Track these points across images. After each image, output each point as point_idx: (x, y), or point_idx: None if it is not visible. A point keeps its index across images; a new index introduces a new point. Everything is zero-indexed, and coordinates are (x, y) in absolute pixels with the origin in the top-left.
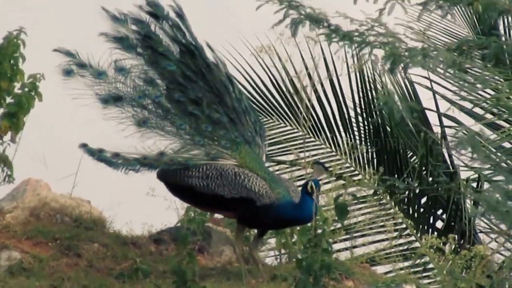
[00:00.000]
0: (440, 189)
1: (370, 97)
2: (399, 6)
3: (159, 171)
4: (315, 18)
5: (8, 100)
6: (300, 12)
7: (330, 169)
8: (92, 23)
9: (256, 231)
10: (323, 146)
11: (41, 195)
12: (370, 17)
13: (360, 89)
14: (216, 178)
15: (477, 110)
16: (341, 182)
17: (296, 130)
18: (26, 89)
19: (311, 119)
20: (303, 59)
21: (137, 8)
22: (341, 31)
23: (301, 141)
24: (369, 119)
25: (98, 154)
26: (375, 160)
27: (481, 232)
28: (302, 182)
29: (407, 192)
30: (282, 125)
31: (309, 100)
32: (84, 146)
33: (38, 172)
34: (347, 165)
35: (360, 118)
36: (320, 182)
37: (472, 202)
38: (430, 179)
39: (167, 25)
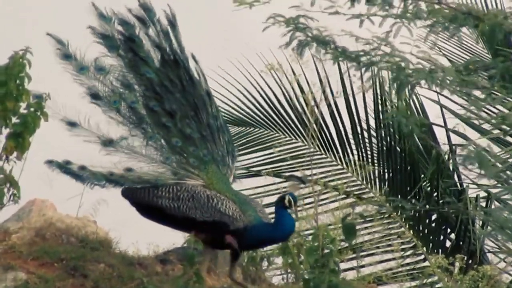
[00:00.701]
0: (447, 209)
1: (379, 115)
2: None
3: (124, 189)
4: (322, 40)
5: (14, 120)
6: (306, 34)
7: (338, 186)
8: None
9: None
10: (333, 163)
11: (47, 216)
12: (376, 36)
13: (370, 107)
14: (188, 200)
15: (485, 126)
16: (349, 200)
17: (306, 147)
18: (32, 109)
19: (322, 135)
20: (318, 75)
21: (127, 9)
22: (348, 52)
23: (314, 157)
24: (379, 136)
25: (64, 167)
26: (385, 177)
27: (489, 252)
28: (310, 200)
29: (414, 212)
30: (294, 140)
31: (318, 118)
32: (50, 162)
33: (43, 193)
34: (358, 182)
35: (369, 136)
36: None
37: (480, 222)
38: (438, 198)
39: (154, 30)
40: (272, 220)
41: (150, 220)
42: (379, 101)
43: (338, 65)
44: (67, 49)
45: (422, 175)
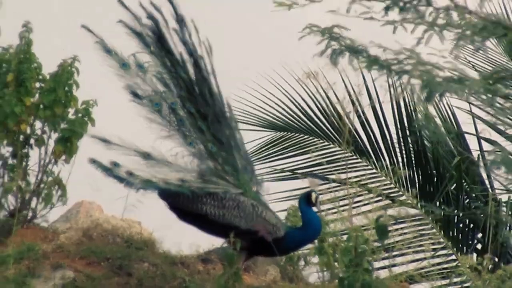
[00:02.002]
0: (475, 213)
1: (411, 121)
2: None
3: (162, 192)
4: (355, 49)
5: (62, 125)
6: (340, 43)
7: (369, 186)
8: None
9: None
10: (369, 167)
11: (93, 217)
12: (406, 47)
13: (401, 114)
14: (233, 209)
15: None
16: (382, 203)
17: (342, 151)
18: (80, 115)
19: (358, 141)
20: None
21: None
22: (380, 61)
23: (349, 160)
24: (410, 142)
25: (110, 171)
26: (415, 181)
27: None
28: (345, 202)
29: (444, 215)
30: (331, 145)
31: (352, 124)
32: (93, 161)
33: (91, 195)
34: (391, 185)
35: (402, 142)
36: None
37: (508, 225)
38: (467, 201)
39: (186, 35)
40: (300, 223)
41: (189, 224)
42: (410, 109)
43: (370, 74)
44: (106, 43)
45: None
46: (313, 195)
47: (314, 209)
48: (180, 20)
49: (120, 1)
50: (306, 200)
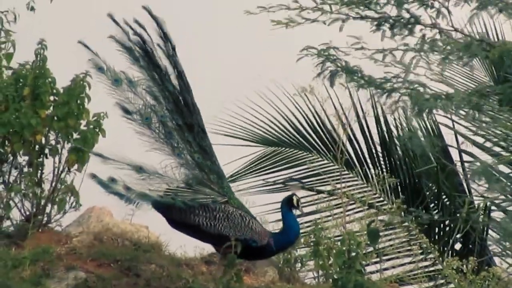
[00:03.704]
0: (455, 219)
1: (392, 136)
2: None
3: (155, 203)
4: (350, 70)
5: (75, 136)
6: (336, 65)
7: (363, 198)
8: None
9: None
10: (355, 178)
11: (104, 221)
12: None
13: (384, 130)
14: (224, 220)
15: (495, 148)
16: (372, 210)
17: (332, 164)
18: (91, 126)
19: (345, 154)
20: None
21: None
22: (374, 82)
23: (337, 173)
24: (394, 155)
25: (109, 187)
26: (398, 191)
27: (495, 255)
28: (339, 210)
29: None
30: (320, 159)
31: (342, 138)
32: (94, 177)
33: (101, 201)
34: (377, 195)
35: (386, 155)
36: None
37: (486, 229)
38: (451, 208)
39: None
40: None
41: (182, 233)
42: (395, 124)
43: (356, 91)
44: (99, 60)
45: (435, 190)
46: (294, 199)
47: (297, 212)
48: (164, 36)
49: (110, 16)
50: (287, 204)
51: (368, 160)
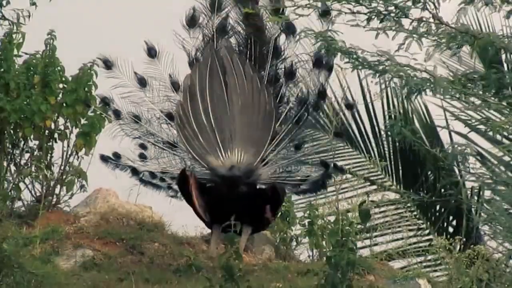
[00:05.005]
0: (448, 200)
1: (392, 117)
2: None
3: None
4: (345, 51)
5: (83, 121)
6: (333, 46)
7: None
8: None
9: None
10: (359, 155)
11: (110, 202)
12: (384, 51)
13: (386, 109)
14: None
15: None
16: (367, 188)
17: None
18: (98, 112)
19: (350, 132)
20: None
21: None
22: (366, 62)
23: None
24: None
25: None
26: (399, 170)
27: (485, 234)
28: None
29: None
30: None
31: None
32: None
33: (107, 182)
34: (378, 173)
35: (380, 135)
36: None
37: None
38: (443, 189)
39: None
40: None
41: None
42: (390, 106)
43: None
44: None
45: (428, 171)
46: None
47: None
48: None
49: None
50: None
51: (371, 139)
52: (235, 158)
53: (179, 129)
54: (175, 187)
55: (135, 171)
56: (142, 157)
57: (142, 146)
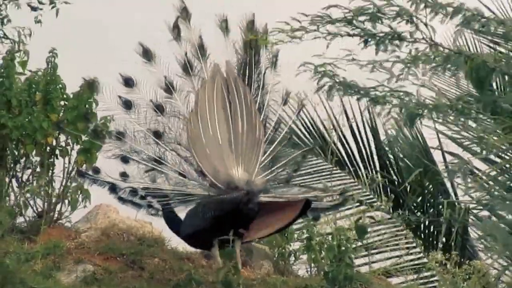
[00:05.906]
0: (438, 219)
1: (381, 140)
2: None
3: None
4: (347, 84)
5: (84, 138)
6: (334, 80)
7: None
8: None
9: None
10: (347, 177)
11: (111, 218)
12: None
13: (375, 132)
14: None
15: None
16: (362, 208)
17: (325, 164)
18: (99, 129)
19: (338, 155)
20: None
21: None
22: (370, 95)
23: (329, 172)
24: (383, 157)
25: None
26: (388, 190)
27: (480, 250)
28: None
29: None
30: (314, 158)
31: (334, 141)
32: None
33: (108, 198)
34: (367, 193)
35: (376, 157)
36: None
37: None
38: (432, 208)
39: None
40: None
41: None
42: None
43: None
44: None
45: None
46: None
47: None
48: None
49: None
50: None
51: (359, 160)
52: (247, 174)
53: (191, 145)
54: (157, 206)
55: (113, 188)
56: (124, 176)
57: (124, 160)
